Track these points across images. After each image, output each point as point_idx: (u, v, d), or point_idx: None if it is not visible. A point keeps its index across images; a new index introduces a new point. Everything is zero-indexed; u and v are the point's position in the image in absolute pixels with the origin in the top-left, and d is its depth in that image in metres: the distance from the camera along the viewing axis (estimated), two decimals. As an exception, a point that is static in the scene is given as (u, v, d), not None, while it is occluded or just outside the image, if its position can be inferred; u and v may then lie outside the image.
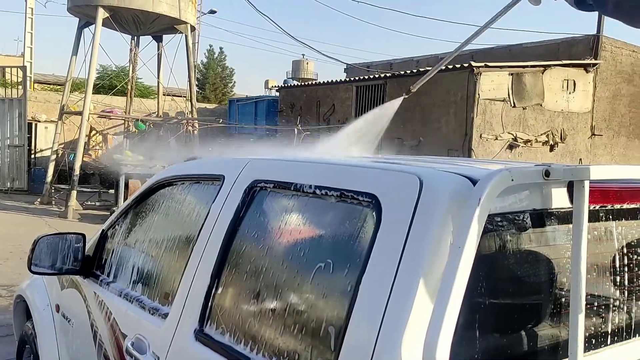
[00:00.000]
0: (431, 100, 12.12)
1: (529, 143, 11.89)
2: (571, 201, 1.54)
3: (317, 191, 1.70)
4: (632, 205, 1.77)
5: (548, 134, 12.27)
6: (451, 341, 1.23)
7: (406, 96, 3.43)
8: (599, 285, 1.78)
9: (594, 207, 1.72)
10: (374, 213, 1.49)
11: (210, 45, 43.43)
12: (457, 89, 11.38)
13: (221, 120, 14.17)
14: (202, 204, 2.18)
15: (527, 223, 1.54)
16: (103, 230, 2.89)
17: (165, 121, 15.12)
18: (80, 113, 13.27)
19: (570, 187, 1.57)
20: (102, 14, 12.83)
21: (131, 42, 15.04)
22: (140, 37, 15.20)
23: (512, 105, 11.59)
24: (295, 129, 12.96)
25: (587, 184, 1.53)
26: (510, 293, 1.51)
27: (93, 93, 20.01)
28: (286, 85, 18.49)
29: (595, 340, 1.65)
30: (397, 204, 1.45)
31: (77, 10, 13.73)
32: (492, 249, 1.47)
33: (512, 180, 1.36)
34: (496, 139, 11.40)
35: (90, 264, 2.82)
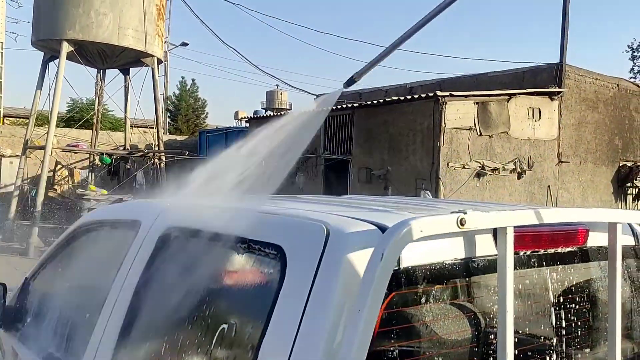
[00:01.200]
0: (398, 130, 12.12)
1: (496, 171, 11.92)
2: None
3: (226, 241, 1.57)
4: (560, 250, 1.68)
5: (515, 162, 12.33)
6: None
7: (346, 88, 2.84)
8: (530, 336, 1.67)
9: (523, 253, 1.63)
10: (279, 266, 1.36)
11: (183, 77, 43.46)
12: (424, 118, 11.41)
13: (187, 152, 13.93)
14: (118, 252, 2.03)
15: (447, 274, 1.42)
16: (26, 278, 2.70)
17: (131, 154, 14.85)
18: (43, 147, 12.96)
19: (495, 233, 1.47)
20: (66, 48, 12.65)
21: (97, 76, 14.86)
22: (107, 70, 15.03)
23: (479, 133, 11.65)
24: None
25: (510, 230, 1.43)
26: (430, 351, 1.38)
27: (63, 126, 19.69)
28: (256, 116, 18.43)
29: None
30: (301, 256, 1.33)
31: (41, 45, 13.54)
32: (408, 305, 1.34)
33: (421, 231, 1.24)
34: (463, 167, 11.40)
35: (13, 315, 2.62)
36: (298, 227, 1.44)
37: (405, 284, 1.33)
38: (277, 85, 39.23)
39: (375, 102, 12.48)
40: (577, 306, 1.82)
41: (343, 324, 1.17)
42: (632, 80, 21.98)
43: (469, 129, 11.49)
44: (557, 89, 13.26)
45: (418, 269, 1.35)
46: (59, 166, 16.29)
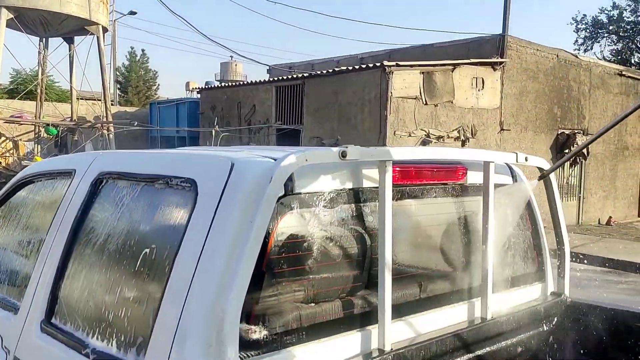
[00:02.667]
0: (347, 99, 12.39)
1: (441, 139, 12.37)
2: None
3: (150, 179, 1.78)
4: (433, 183, 1.96)
5: (459, 130, 12.82)
6: (241, 306, 1.34)
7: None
8: (407, 259, 1.96)
9: (409, 186, 1.89)
10: (192, 195, 1.58)
11: (132, 47, 42.29)
12: (371, 87, 11.70)
13: (136, 123, 13.83)
14: (55, 199, 2.20)
15: (335, 200, 1.68)
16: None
17: (78, 125, 14.63)
18: (-16, 118, 12.63)
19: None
20: (5, 15, 12.27)
21: (40, 45, 14.45)
22: (50, 38, 14.64)
23: (424, 102, 12.04)
24: (213, 131, 12.90)
25: (389, 163, 1.69)
26: (318, 265, 1.64)
27: (7, 98, 19.03)
28: (207, 87, 18.33)
29: (403, 309, 1.82)
30: (210, 184, 1.56)
31: (-21, 11, 13.05)
32: (298, 224, 1.59)
33: (307, 160, 1.49)
34: (409, 135, 11.80)
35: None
36: (208, 162, 1.67)
37: (298, 207, 1.57)
38: (231, 57, 38.76)
39: (325, 72, 12.67)
40: (457, 235, 2.13)
41: (240, 235, 1.41)
42: (576, 52, 22.90)
43: (414, 98, 11.85)
44: (500, 60, 13.76)
45: (310, 195, 1.60)
46: (3, 138, 15.87)
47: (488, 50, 14.05)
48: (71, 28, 13.70)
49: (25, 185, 2.54)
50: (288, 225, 1.55)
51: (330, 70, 12.75)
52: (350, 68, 12.29)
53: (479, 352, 1.96)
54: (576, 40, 33.12)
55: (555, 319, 2.31)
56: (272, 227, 1.50)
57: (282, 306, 1.57)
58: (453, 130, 12.65)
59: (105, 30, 14.34)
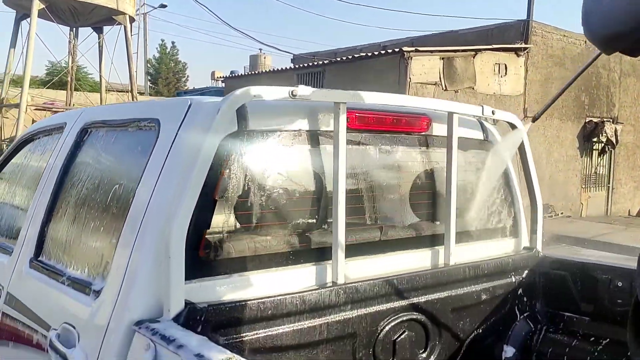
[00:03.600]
0: (367, 85, 12.40)
1: (462, 125, 12.31)
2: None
3: (124, 123, 1.92)
4: (395, 131, 2.04)
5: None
6: (186, 230, 1.45)
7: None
8: (370, 205, 2.04)
9: (369, 132, 1.98)
10: (156, 133, 1.70)
11: (162, 40, 42.99)
12: (390, 73, 11.70)
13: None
14: (49, 151, 2.36)
15: (292, 140, 1.78)
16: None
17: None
18: (18, 105, 13.11)
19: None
20: (37, 5, 12.70)
21: (70, 34, 14.90)
22: (80, 28, 15.07)
23: (444, 88, 11.98)
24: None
25: (343, 106, 1.78)
26: (272, 200, 1.74)
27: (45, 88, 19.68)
28: (231, 75, 18.58)
29: (362, 249, 1.91)
30: (170, 123, 1.68)
31: (13, 2, 13.55)
32: (252, 159, 1.70)
33: (254, 96, 1.59)
34: (430, 121, 11.78)
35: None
36: (171, 103, 1.80)
37: (252, 142, 1.68)
38: (260, 50, 39.03)
39: (344, 58, 12.72)
40: (421, 185, 2.21)
41: (188, 165, 1.52)
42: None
43: (434, 84, 11.81)
44: (523, 45, 13.57)
45: (265, 132, 1.71)
46: (36, 126, 16.41)
47: (512, 36, 13.86)
48: (100, 18, 14.09)
49: (26, 144, 2.71)
50: (241, 159, 1.65)
51: (350, 57, 12.79)
52: (370, 54, 12.31)
53: (438, 294, 2.04)
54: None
55: (526, 272, 2.36)
56: (225, 159, 1.61)
57: (234, 235, 1.68)
58: (475, 117, 12.55)
59: (132, 20, 14.69)
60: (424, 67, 11.57)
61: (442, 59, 11.87)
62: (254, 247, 1.70)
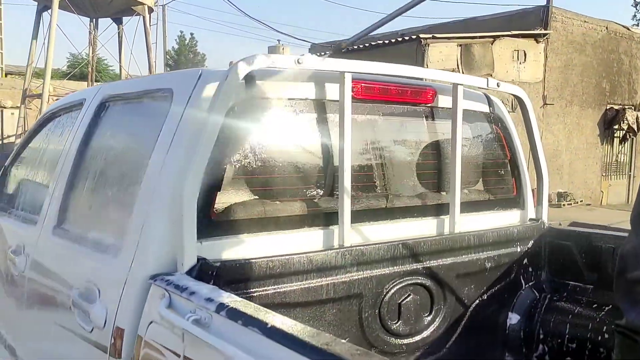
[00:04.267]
0: (385, 73, 12.41)
1: (480, 112, 12.25)
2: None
3: (140, 94, 2.02)
4: (401, 102, 2.10)
5: (499, 104, 12.65)
6: (197, 190, 1.54)
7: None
8: (377, 173, 2.11)
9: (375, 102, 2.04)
10: (169, 101, 1.79)
11: (181, 32, 43.22)
12: (407, 60, 11.66)
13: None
14: (69, 127, 2.47)
15: (300, 107, 1.85)
16: (5, 165, 3.17)
17: (127, 102, 15.25)
18: (40, 95, 13.38)
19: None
20: (58, -4, 12.92)
21: (90, 25, 15.14)
22: (100, 19, 15.29)
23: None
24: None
25: (348, 76, 1.85)
26: (281, 165, 1.82)
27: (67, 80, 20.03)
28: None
29: (368, 215, 1.99)
30: (182, 91, 1.76)
31: (34, -6, 13.79)
32: (261, 125, 1.77)
33: (261, 63, 1.67)
34: (447, 108, 11.75)
35: (-5, 197, 3.10)
36: (183, 73, 1.88)
37: (262, 109, 1.76)
38: (278, 41, 39.17)
39: (361, 46, 12.72)
40: (428, 156, 2.26)
41: (199, 129, 1.60)
42: (634, 27, 21.86)
43: (452, 71, 11.76)
44: (543, 31, 13.43)
45: (275, 99, 1.78)
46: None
47: (531, 22, 13.71)
48: (119, 8, 14.29)
49: (48, 121, 2.83)
50: (250, 125, 1.73)
51: (367, 45, 12.78)
52: (387, 42, 12.29)
53: (443, 260, 2.10)
54: (634, 15, 31.70)
55: (531, 242, 2.41)
56: (234, 125, 1.69)
57: (245, 199, 1.76)
58: (492, 104, 12.48)
59: (150, 10, 14.86)
60: (441, 54, 11.53)
61: (460, 45, 11.82)
62: (264, 211, 1.78)
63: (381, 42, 12.59)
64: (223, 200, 1.70)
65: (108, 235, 1.85)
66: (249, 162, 1.74)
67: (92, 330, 1.68)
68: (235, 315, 1.18)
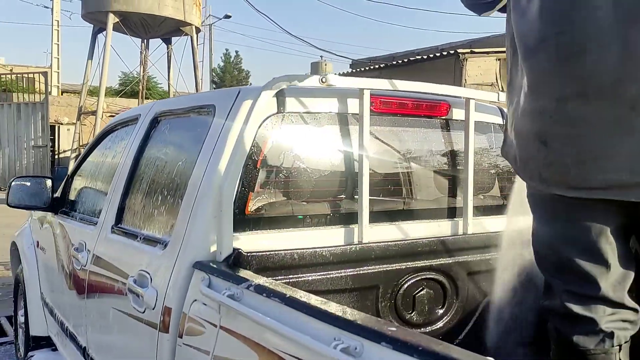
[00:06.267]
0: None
1: (520, 126, 12.25)
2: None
3: (187, 111, 2.33)
4: (417, 115, 2.33)
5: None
6: (234, 191, 1.82)
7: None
8: (394, 179, 2.35)
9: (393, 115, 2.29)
10: (212, 116, 2.09)
11: (227, 49, 44.50)
12: (446, 75, 11.84)
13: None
14: (127, 139, 2.81)
15: (324, 120, 2.12)
16: (67, 175, 3.55)
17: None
18: (95, 112, 14.14)
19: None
20: (112, 19, 13.72)
21: (141, 45, 15.94)
22: (151, 39, 16.08)
23: (501, 89, 11.98)
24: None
25: (367, 92, 2.10)
26: (307, 172, 2.08)
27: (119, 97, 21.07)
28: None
29: (386, 216, 2.22)
30: (223, 107, 2.06)
31: (90, 17, 14.68)
32: (289, 136, 2.05)
33: (290, 82, 1.94)
34: (486, 122, 11.82)
35: (59, 203, 3.48)
36: (225, 91, 2.18)
37: (290, 122, 2.03)
38: (321, 57, 39.87)
39: (399, 62, 12.97)
40: (442, 164, 2.48)
41: (236, 139, 1.88)
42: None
43: (490, 85, 11.85)
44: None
45: (301, 114, 2.05)
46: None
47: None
48: (168, 29, 15.03)
49: (107, 134, 3.19)
50: (280, 135, 2.01)
51: (406, 60, 13.03)
52: (425, 57, 12.51)
53: (456, 258, 2.30)
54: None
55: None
56: (266, 136, 1.96)
57: (275, 200, 2.03)
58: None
59: (198, 30, 15.57)
60: (480, 68, 11.63)
61: (499, 59, 11.88)
62: (292, 210, 2.04)
63: (420, 57, 12.81)
64: (257, 200, 1.97)
65: (158, 232, 2.15)
66: (279, 168, 2.01)
67: (144, 311, 1.97)
68: (260, 289, 1.44)
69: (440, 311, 2.29)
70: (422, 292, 2.23)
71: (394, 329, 1.09)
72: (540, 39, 1.30)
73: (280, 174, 2.03)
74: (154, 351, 1.88)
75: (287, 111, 2.02)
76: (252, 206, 1.95)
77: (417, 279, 2.21)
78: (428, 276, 2.24)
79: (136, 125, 2.71)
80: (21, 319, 4.09)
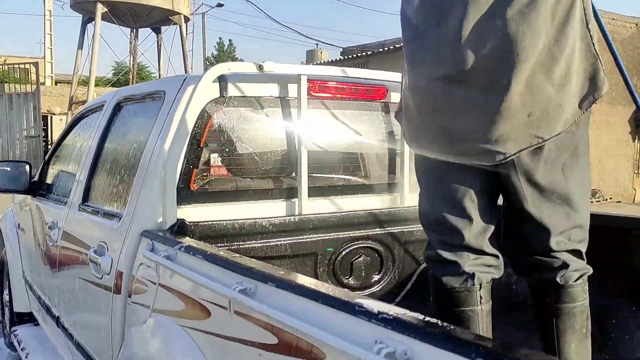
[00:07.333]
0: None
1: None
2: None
3: (142, 96, 2.53)
4: (355, 98, 2.53)
5: (524, 102, 12.78)
6: (177, 169, 2.03)
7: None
8: (333, 158, 2.56)
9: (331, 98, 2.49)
10: (162, 99, 2.29)
11: (220, 38, 44.45)
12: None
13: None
14: (93, 124, 3.01)
15: (264, 104, 2.32)
16: (44, 160, 3.76)
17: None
18: (85, 102, 14.28)
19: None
20: (100, 9, 13.83)
21: (130, 35, 16.05)
22: (140, 29, 16.18)
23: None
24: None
25: (304, 77, 2.30)
26: (250, 150, 2.29)
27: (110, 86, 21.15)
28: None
29: (324, 191, 2.43)
30: (171, 92, 2.26)
31: (78, 7, 14.78)
32: (231, 118, 2.25)
33: (229, 69, 2.15)
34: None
35: (37, 186, 3.68)
36: (174, 79, 2.38)
37: (232, 105, 2.23)
38: (316, 45, 39.83)
39: (386, 49, 13.11)
40: (378, 144, 2.68)
41: (180, 121, 2.09)
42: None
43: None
44: (568, 30, 13.48)
45: (241, 98, 2.25)
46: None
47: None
48: (157, 18, 15.14)
49: (79, 121, 3.39)
50: (223, 117, 2.21)
51: (392, 47, 13.16)
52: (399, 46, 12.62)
53: (392, 229, 2.52)
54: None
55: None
56: (209, 118, 2.17)
57: (219, 175, 2.24)
58: (517, 103, 12.64)
59: (187, 19, 15.68)
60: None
61: None
62: (236, 185, 2.26)
63: (392, 47, 12.98)
64: (201, 176, 2.18)
65: (116, 207, 2.36)
66: (223, 147, 2.23)
67: (102, 277, 2.19)
68: (189, 249, 1.65)
69: (377, 276, 2.51)
70: (359, 259, 2.45)
71: (282, 272, 1.31)
72: (420, 27, 1.52)
73: (224, 153, 2.24)
74: (110, 311, 2.10)
75: (230, 95, 2.22)
76: (196, 181, 2.16)
77: (355, 247, 2.43)
78: (365, 245, 2.46)
79: (102, 111, 2.92)
80: (6, 297, 4.31)
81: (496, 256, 1.65)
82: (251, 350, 1.27)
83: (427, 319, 0.94)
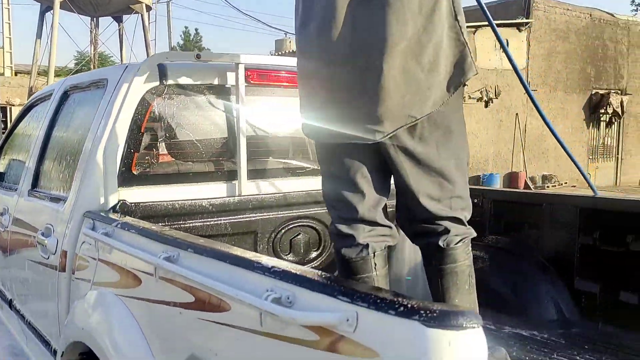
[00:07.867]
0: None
1: (462, 100, 12.73)
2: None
3: (87, 85, 2.62)
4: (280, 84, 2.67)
5: (482, 91, 13.13)
6: (117, 153, 2.14)
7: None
8: (272, 143, 2.70)
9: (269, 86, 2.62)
10: (104, 88, 2.39)
11: (186, 27, 43.90)
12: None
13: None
14: (41, 113, 3.08)
15: (204, 92, 2.45)
16: (-3, 149, 3.80)
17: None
18: (45, 93, 14.05)
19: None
20: (59, -3, 13.58)
21: (91, 24, 15.81)
22: (101, 17, 15.95)
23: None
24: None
25: (241, 66, 2.43)
26: (190, 135, 2.42)
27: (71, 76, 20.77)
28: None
29: (256, 173, 2.57)
30: (113, 80, 2.36)
31: (36, -5, 14.46)
32: (171, 105, 2.37)
33: (167, 58, 2.27)
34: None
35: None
36: (116, 68, 2.49)
37: (171, 92, 2.35)
38: (285, 34, 39.68)
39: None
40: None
41: (120, 108, 2.20)
42: (633, 12, 22.16)
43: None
44: (524, 20, 13.88)
45: (181, 85, 2.37)
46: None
47: (514, 12, 14.16)
48: (118, 7, 14.95)
49: (29, 110, 3.45)
50: (163, 103, 2.33)
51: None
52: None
53: (314, 209, 2.66)
54: (632, 1, 31.80)
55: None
56: (149, 105, 2.28)
57: (161, 159, 2.36)
58: (475, 92, 12.98)
59: (148, 8, 15.52)
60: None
61: (474, 31, 12.28)
62: (177, 168, 2.38)
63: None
64: (143, 159, 2.30)
65: (61, 191, 2.46)
66: (164, 132, 2.35)
67: (48, 257, 2.30)
68: (125, 226, 1.78)
69: (316, 253, 2.68)
70: (298, 237, 2.60)
71: (201, 241, 1.46)
72: (306, 17, 1.67)
73: (166, 138, 2.36)
74: (56, 289, 2.21)
75: (170, 83, 2.34)
76: (138, 165, 2.28)
77: (294, 225, 2.58)
78: (304, 223, 2.62)
79: (50, 99, 2.99)
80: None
81: (389, 227, 1.82)
82: (173, 309, 1.42)
83: (310, 270, 1.10)
